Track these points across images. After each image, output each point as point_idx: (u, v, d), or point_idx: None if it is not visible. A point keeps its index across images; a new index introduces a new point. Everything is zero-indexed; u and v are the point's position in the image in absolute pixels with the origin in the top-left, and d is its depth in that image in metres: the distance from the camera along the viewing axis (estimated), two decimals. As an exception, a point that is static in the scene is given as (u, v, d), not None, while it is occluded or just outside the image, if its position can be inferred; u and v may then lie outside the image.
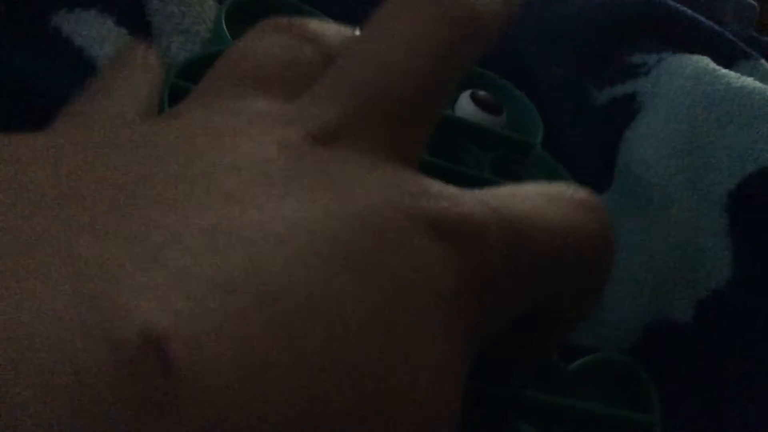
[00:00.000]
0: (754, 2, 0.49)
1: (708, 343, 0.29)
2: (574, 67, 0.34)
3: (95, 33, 0.24)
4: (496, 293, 0.14)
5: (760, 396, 0.27)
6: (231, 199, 0.10)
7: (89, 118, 0.16)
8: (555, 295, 0.16)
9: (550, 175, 0.32)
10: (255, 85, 0.14)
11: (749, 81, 0.32)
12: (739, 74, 0.33)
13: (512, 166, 0.31)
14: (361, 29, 0.16)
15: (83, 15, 0.24)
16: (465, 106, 0.32)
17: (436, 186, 0.14)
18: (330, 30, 0.16)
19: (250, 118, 0.13)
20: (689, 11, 0.37)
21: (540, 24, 0.36)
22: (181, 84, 0.23)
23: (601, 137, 0.33)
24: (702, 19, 0.37)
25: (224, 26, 0.26)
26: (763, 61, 0.38)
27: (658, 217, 0.30)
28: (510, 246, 0.14)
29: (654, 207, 0.30)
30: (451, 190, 0.14)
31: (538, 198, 0.16)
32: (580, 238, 0.16)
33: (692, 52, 0.34)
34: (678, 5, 0.37)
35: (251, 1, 0.29)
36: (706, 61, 0.33)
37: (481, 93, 0.32)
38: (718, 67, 0.33)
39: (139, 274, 0.09)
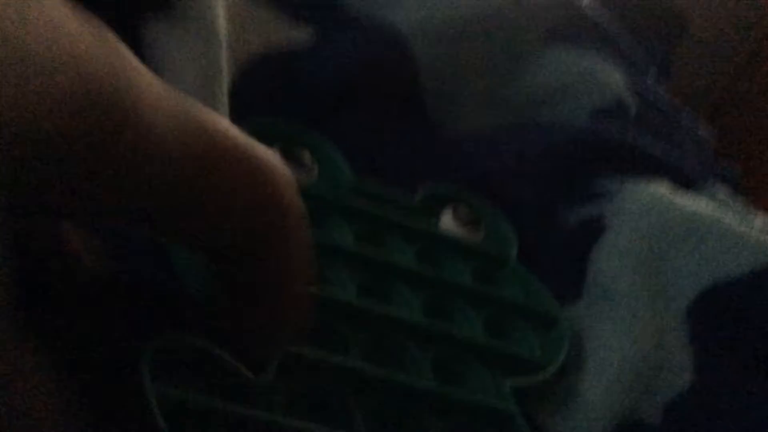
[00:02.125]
0: (708, 134, 0.54)
1: None
2: (544, 192, 0.37)
3: None
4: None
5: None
6: None
7: None
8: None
9: (525, 285, 0.35)
10: None
11: (702, 205, 0.36)
12: (693, 199, 0.37)
13: (490, 276, 0.35)
14: None
15: None
16: (447, 221, 0.35)
17: None
18: None
19: None
20: (648, 142, 0.41)
21: (515, 151, 0.40)
22: None
23: (570, 253, 0.36)
24: (659, 151, 0.42)
25: None
26: (716, 186, 0.42)
27: (626, 326, 0.32)
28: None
29: (621, 317, 0.33)
30: None
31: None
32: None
33: (651, 178, 0.38)
34: (638, 138, 0.41)
35: (262, 124, 0.32)
36: (662, 189, 0.37)
37: (462, 210, 0.36)
38: (673, 194, 0.37)
39: None
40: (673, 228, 0.35)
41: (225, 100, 0.32)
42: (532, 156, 0.39)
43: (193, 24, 0.31)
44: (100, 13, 0.30)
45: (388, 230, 0.33)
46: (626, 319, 0.33)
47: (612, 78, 0.48)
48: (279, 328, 0.21)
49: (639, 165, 0.40)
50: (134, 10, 0.31)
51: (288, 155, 0.31)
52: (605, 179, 0.38)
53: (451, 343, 0.29)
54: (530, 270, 0.35)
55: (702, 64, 0.88)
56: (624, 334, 0.32)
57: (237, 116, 0.32)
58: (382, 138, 0.39)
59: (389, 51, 0.40)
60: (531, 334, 0.32)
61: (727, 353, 0.33)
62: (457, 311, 0.31)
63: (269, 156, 0.18)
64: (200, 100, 0.30)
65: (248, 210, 0.18)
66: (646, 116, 0.48)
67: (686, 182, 0.41)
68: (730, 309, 0.33)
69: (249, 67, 0.35)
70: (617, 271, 0.34)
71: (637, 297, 0.33)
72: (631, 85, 0.50)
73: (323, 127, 0.36)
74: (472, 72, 0.45)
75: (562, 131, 0.41)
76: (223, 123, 0.17)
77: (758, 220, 0.41)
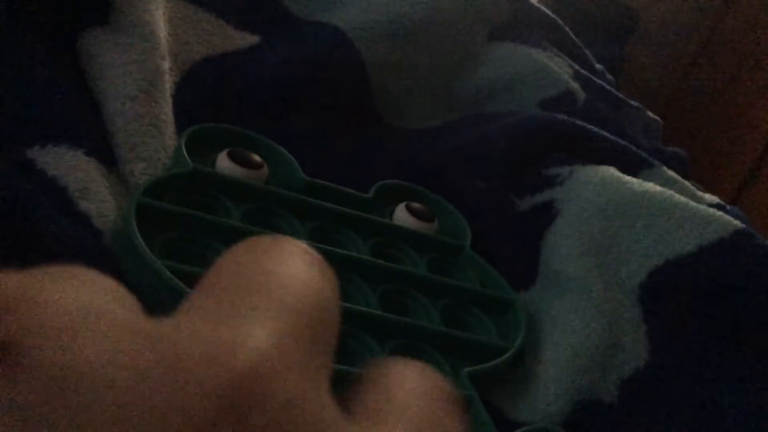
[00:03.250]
0: (657, 118, 0.55)
1: (631, 421, 0.31)
2: (496, 180, 0.38)
3: (66, 164, 0.27)
4: None
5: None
6: None
7: None
8: None
9: (480, 273, 0.35)
10: None
11: (650, 185, 0.36)
12: (641, 180, 0.37)
13: (446, 266, 0.35)
14: None
15: (54, 149, 0.27)
16: (401, 215, 0.35)
17: None
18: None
19: None
20: (596, 129, 0.42)
21: (465, 144, 0.40)
22: (146, 202, 0.26)
23: (524, 239, 0.36)
24: (608, 135, 0.42)
25: (184, 152, 0.30)
26: (664, 168, 0.42)
27: (580, 308, 0.33)
28: None
29: (575, 298, 0.33)
30: None
31: None
32: None
33: (600, 163, 0.39)
34: (586, 124, 0.42)
35: (209, 130, 0.32)
36: (611, 171, 0.38)
37: (415, 204, 0.36)
38: (622, 175, 0.37)
39: None
40: (623, 208, 0.35)
41: (168, 103, 0.32)
42: (483, 147, 0.39)
43: (132, 31, 0.31)
44: (37, 22, 0.30)
45: (343, 226, 0.33)
46: (580, 301, 0.33)
47: (559, 70, 0.49)
48: None
49: (588, 150, 0.40)
50: (73, 19, 0.31)
51: (237, 158, 0.31)
52: (555, 165, 0.39)
53: (409, 334, 0.29)
54: (485, 258, 0.35)
55: (654, 60, 0.90)
56: (578, 316, 0.32)
57: (182, 119, 0.32)
58: (333, 136, 0.39)
59: (336, 51, 0.40)
60: (488, 320, 0.33)
61: (679, 329, 0.33)
62: (413, 302, 0.32)
63: None
64: (142, 104, 0.31)
65: None
66: (594, 104, 0.49)
67: (635, 164, 0.41)
68: (680, 285, 0.34)
69: (192, 70, 0.35)
70: (570, 254, 0.34)
71: (590, 279, 0.33)
72: (578, 76, 0.51)
73: (272, 128, 0.36)
74: (420, 71, 0.45)
75: (511, 121, 0.41)
76: None
77: (707, 196, 0.42)
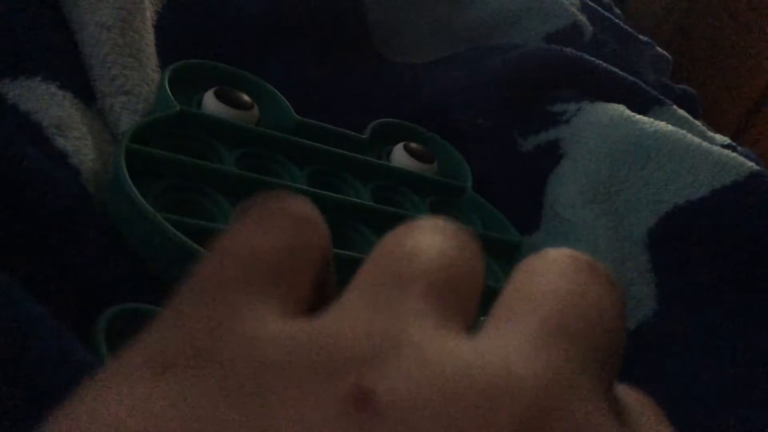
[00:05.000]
0: (667, 53, 0.52)
1: (638, 373, 0.30)
2: (499, 118, 0.36)
3: (39, 99, 0.25)
4: None
5: (682, 423, 0.28)
6: None
7: None
8: None
9: (483, 215, 0.33)
10: (264, 290, 0.11)
11: (662, 125, 0.34)
12: (652, 119, 0.35)
13: (448, 209, 0.33)
14: None
15: (27, 83, 0.25)
16: (400, 156, 0.33)
17: None
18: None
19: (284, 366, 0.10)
20: (605, 64, 0.40)
21: (466, 79, 0.38)
22: (135, 148, 0.25)
23: (527, 182, 0.34)
24: (617, 70, 0.40)
25: (168, 90, 0.28)
26: (675, 107, 0.40)
27: (587, 254, 0.31)
28: None
29: (581, 245, 0.32)
30: None
31: None
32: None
33: (609, 100, 0.37)
34: (594, 59, 0.40)
35: (193, 66, 0.30)
36: (621, 109, 0.36)
37: (414, 145, 0.34)
38: (632, 114, 0.35)
39: None
40: (633, 150, 0.33)
41: (149, 33, 0.29)
42: (485, 81, 0.37)
43: None
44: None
45: (341, 170, 0.31)
46: (586, 248, 0.31)
47: (566, 1, 0.47)
48: None
49: (596, 86, 0.38)
50: None
51: (224, 98, 0.29)
52: (561, 102, 0.36)
53: None
54: (487, 200, 0.33)
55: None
56: None
57: (163, 52, 0.30)
58: (326, 73, 0.37)
59: None
60: (494, 264, 0.31)
61: (688, 278, 0.32)
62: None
63: None
64: (120, 33, 0.28)
65: None
66: (602, 39, 0.47)
67: (645, 103, 0.39)
68: (691, 232, 0.32)
69: (175, 1, 0.33)
70: (576, 200, 0.33)
71: (596, 226, 0.32)
72: (586, 8, 0.48)
73: (261, 65, 0.33)
74: (420, 4, 0.43)
75: (514, 54, 0.39)
76: None
77: (717, 137, 0.40)
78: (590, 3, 0.49)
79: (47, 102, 0.25)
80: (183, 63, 0.30)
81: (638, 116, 0.35)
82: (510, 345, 0.11)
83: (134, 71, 0.28)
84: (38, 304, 0.17)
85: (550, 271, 0.13)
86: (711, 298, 0.32)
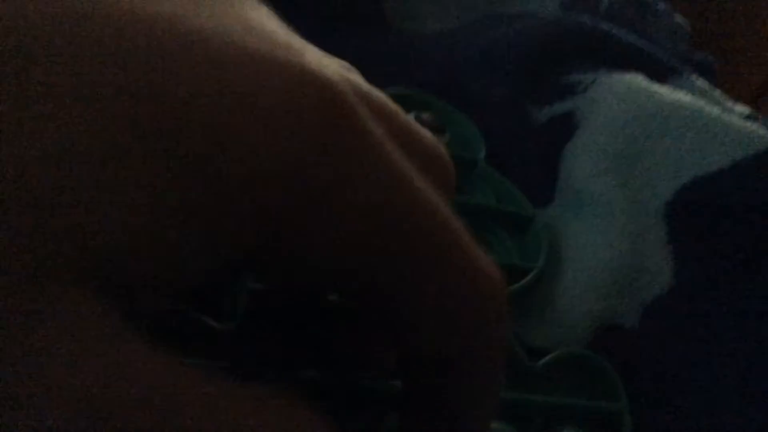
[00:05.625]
0: (685, 21, 0.51)
1: (653, 347, 0.29)
2: (513, 88, 0.35)
3: None
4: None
5: (699, 396, 0.28)
6: None
7: None
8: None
9: (496, 188, 0.33)
10: None
11: (681, 95, 0.33)
12: (671, 89, 0.34)
13: (459, 180, 0.32)
14: None
15: None
16: (410, 128, 0.32)
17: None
18: None
19: None
20: (622, 32, 0.39)
21: (479, 48, 0.37)
22: None
23: (541, 154, 0.34)
24: (634, 39, 0.39)
25: None
26: (694, 76, 0.39)
27: (601, 229, 0.31)
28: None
29: (596, 218, 0.31)
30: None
31: None
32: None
33: (626, 70, 0.36)
34: (611, 27, 0.39)
35: None
36: (639, 79, 0.34)
37: (424, 115, 0.33)
38: (650, 84, 0.34)
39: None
40: (651, 120, 0.32)
41: None
42: (498, 51, 0.36)
43: None
44: None
45: None
46: (601, 221, 0.31)
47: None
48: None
49: (613, 55, 0.37)
50: None
51: None
52: (577, 72, 0.35)
53: None
54: (500, 172, 0.33)
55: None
56: (599, 238, 0.30)
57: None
58: (337, 42, 0.36)
59: None
60: (507, 238, 0.30)
61: (706, 252, 0.31)
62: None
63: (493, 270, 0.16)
64: None
65: (461, 318, 0.15)
66: (619, 6, 0.45)
67: (663, 72, 0.38)
68: (710, 204, 0.31)
69: None
70: (591, 171, 0.32)
71: (612, 198, 0.31)
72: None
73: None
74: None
75: (529, 23, 0.38)
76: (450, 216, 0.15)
77: (738, 107, 0.39)
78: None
79: None
80: None
81: (656, 86, 0.34)
82: None
83: None
84: None
85: None
86: (730, 272, 0.31)
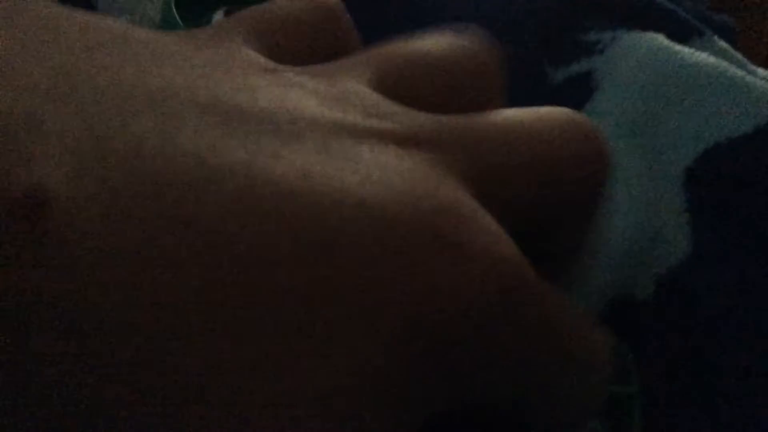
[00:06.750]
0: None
1: (665, 319, 0.29)
2: (529, 48, 0.34)
3: None
4: None
5: (714, 371, 0.27)
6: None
7: None
8: (550, 219, 0.17)
9: None
10: (262, 42, 0.14)
11: (703, 56, 0.32)
12: (693, 50, 0.33)
13: None
14: None
15: None
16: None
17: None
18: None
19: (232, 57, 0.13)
20: (642, -11, 0.37)
21: (493, 7, 0.35)
22: None
23: None
24: None
25: (174, 10, 0.26)
26: (716, 37, 0.38)
27: (618, 194, 0.30)
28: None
29: (613, 184, 0.30)
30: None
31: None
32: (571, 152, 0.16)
33: (646, 29, 0.34)
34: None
35: None
36: (660, 38, 0.33)
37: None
38: (672, 44, 0.33)
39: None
40: (672, 82, 0.31)
41: None
42: (512, 7, 0.35)
43: None
44: None
45: None
46: (618, 188, 0.30)
47: None
48: None
49: (632, 15, 0.36)
50: None
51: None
52: (596, 31, 0.34)
53: None
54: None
55: None
56: (616, 206, 0.29)
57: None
58: (347, 2, 0.34)
59: None
60: None
61: (725, 220, 0.30)
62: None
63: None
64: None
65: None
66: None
67: (684, 33, 0.37)
68: (731, 171, 0.30)
69: None
70: (609, 134, 0.31)
71: (630, 163, 0.30)
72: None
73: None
74: None
75: None
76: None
77: (761, 71, 0.38)
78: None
79: None
80: None
81: (677, 46, 0.33)
82: None
83: None
84: None
85: None
86: (749, 245, 0.30)
